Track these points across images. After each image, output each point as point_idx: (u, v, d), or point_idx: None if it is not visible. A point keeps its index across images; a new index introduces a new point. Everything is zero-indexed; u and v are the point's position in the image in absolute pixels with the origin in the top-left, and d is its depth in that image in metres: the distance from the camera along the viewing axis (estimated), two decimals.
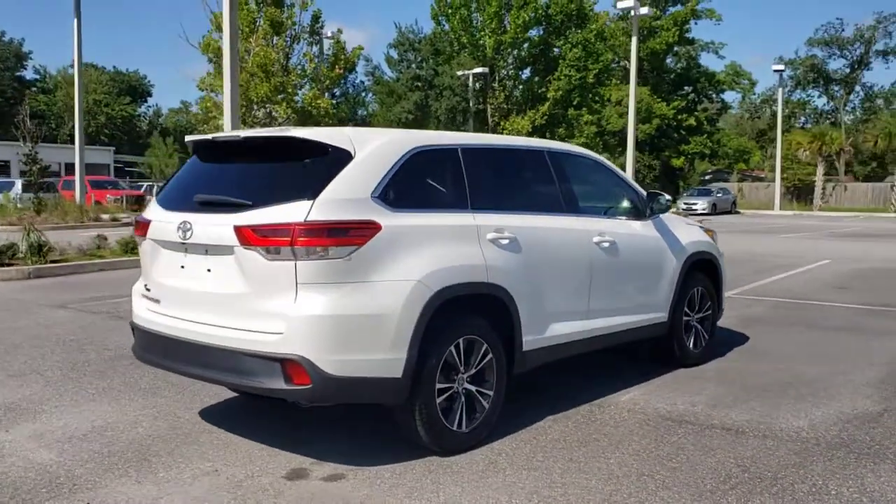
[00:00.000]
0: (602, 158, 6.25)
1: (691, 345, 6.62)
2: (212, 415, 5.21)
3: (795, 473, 4.24)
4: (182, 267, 4.44)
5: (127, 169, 55.26)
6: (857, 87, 64.80)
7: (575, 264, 5.35)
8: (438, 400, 4.37)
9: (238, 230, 4.07)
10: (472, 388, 4.60)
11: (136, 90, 74.67)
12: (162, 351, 4.57)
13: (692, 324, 6.65)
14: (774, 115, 52.17)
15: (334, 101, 38.33)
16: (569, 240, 5.32)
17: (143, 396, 5.63)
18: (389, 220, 4.18)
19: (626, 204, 6.08)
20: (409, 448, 4.49)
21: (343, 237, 4.02)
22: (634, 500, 3.90)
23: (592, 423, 5.09)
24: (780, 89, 50.08)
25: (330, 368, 3.96)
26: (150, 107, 79.12)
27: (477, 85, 45.15)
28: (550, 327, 5.13)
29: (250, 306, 4.10)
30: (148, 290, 4.74)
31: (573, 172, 5.70)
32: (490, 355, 4.66)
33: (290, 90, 29.44)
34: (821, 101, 70.32)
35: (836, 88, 64.99)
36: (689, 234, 6.62)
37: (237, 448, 4.57)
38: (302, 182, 4.16)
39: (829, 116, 65.22)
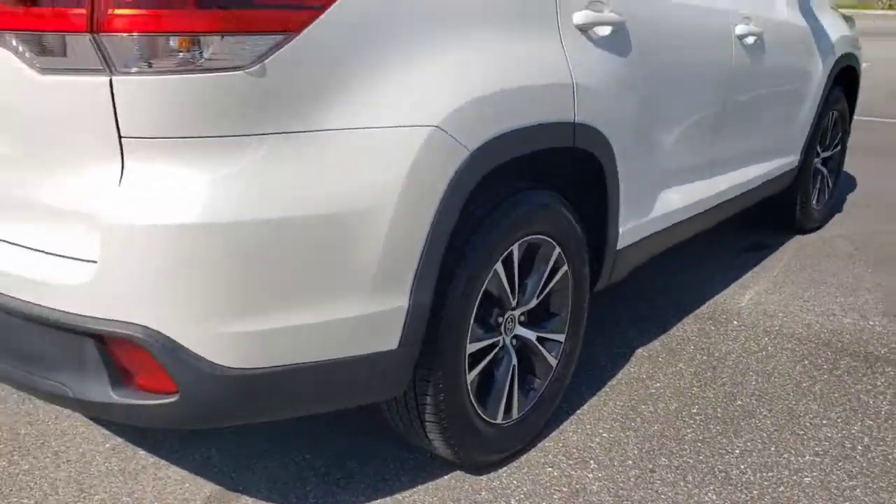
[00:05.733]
0: None
1: (815, 200, 4.33)
2: None
3: None
4: None
5: None
6: None
7: (707, 79, 2.89)
8: (470, 375, 2.06)
9: None
10: (530, 334, 2.29)
11: None
12: None
13: (818, 167, 4.32)
14: None
15: None
16: (702, 30, 2.82)
17: None
18: None
19: None
20: (400, 453, 2.23)
21: (245, 6, 1.49)
22: None
23: (725, 366, 2.87)
24: None
25: (228, 354, 1.56)
26: None
27: None
28: (660, 199, 2.75)
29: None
30: None
31: None
32: (564, 268, 2.31)
33: None
34: None
35: None
36: (833, 22, 4.11)
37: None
38: None
39: None
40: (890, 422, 2.52)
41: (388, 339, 1.76)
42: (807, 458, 2.32)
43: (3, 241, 1.66)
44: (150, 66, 1.42)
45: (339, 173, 1.61)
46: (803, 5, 3.66)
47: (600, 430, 2.43)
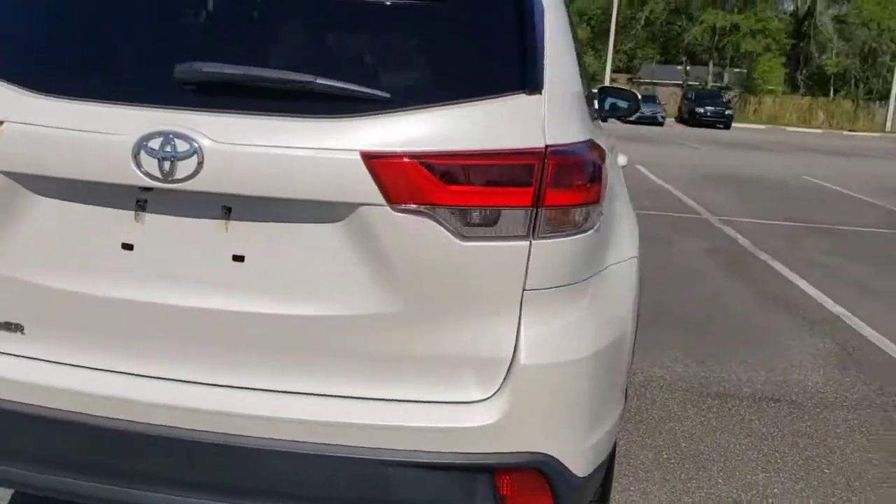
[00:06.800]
0: None
1: None
2: None
3: None
4: (129, 248, 1.71)
5: None
6: None
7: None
8: None
9: (389, 165, 1.60)
10: None
11: None
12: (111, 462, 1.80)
13: None
14: None
15: None
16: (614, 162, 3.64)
17: None
18: (597, 138, 2.09)
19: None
20: None
21: (598, 180, 1.84)
22: None
23: (658, 432, 3.58)
24: None
25: (582, 465, 1.84)
26: None
27: None
28: None
29: (389, 345, 1.69)
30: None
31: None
32: None
33: None
34: None
35: None
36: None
37: None
38: (485, 47, 1.78)
39: None
40: (792, 450, 3.44)
41: (615, 434, 2.15)
42: (797, 485, 3.11)
43: (361, 398, 1.71)
44: (557, 231, 1.70)
45: (616, 299, 2.01)
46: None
47: None
